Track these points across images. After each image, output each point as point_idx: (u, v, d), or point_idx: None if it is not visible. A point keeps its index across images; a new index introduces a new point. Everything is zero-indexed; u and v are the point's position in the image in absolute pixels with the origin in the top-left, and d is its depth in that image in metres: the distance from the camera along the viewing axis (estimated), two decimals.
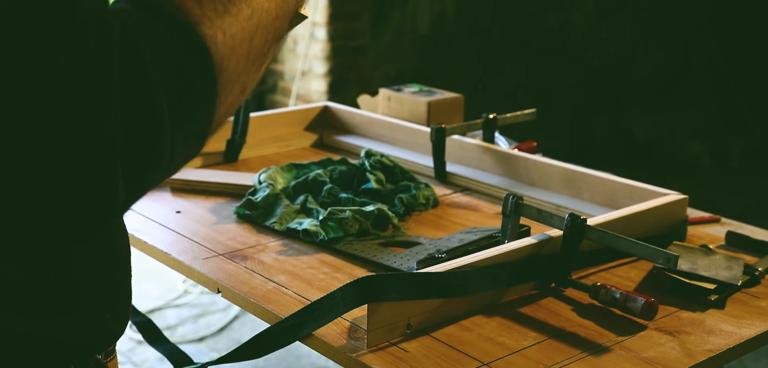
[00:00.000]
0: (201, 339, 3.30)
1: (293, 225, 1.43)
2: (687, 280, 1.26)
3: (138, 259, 1.26)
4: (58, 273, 0.84)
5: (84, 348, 0.90)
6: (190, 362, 1.45)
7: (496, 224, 1.47)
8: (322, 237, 1.39)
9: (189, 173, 1.68)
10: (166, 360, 3.08)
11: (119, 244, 0.93)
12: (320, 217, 1.41)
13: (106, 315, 0.91)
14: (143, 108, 0.67)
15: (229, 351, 1.15)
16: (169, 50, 0.69)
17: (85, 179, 0.66)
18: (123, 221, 0.94)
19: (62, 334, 0.86)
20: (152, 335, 1.58)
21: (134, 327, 1.64)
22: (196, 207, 1.56)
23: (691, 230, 1.50)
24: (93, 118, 0.65)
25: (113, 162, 0.66)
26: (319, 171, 1.60)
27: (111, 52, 0.65)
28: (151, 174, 0.70)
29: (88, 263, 0.88)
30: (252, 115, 1.86)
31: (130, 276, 0.96)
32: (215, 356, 3.14)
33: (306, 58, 4.40)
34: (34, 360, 0.85)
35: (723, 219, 1.56)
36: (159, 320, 3.38)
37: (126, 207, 0.70)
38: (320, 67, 4.36)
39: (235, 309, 3.45)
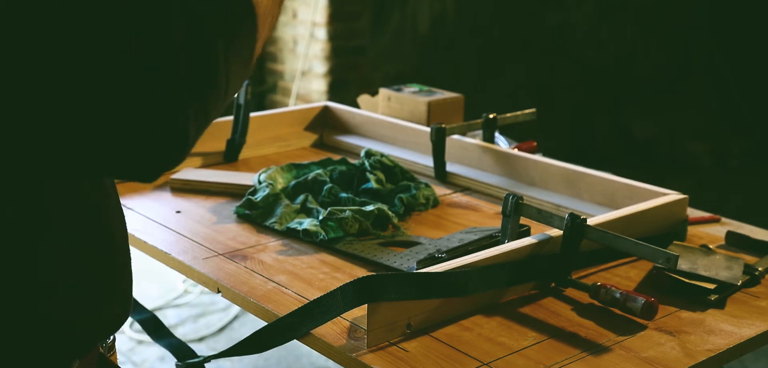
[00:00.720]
0: (201, 339, 3.30)
1: (293, 225, 1.43)
2: (687, 280, 1.26)
3: (138, 259, 1.27)
4: (57, 263, 0.84)
5: (87, 340, 0.90)
6: (194, 356, 1.45)
7: (496, 224, 1.47)
8: (322, 237, 1.39)
9: (189, 173, 1.68)
10: (166, 360, 3.09)
11: (115, 227, 0.93)
12: (320, 217, 1.42)
13: (108, 300, 0.91)
14: (201, 44, 0.72)
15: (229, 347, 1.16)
16: None
17: (162, 120, 0.70)
18: (119, 204, 0.95)
19: (65, 326, 0.86)
20: (156, 330, 1.58)
21: (136, 326, 1.64)
22: (196, 207, 1.56)
23: (691, 230, 1.50)
24: (163, 55, 0.69)
25: (184, 97, 0.71)
26: (319, 171, 1.60)
27: None
28: (212, 106, 0.75)
29: (86, 251, 0.88)
30: (252, 115, 1.86)
31: (130, 257, 0.96)
32: None
33: (306, 58, 4.40)
34: (39, 353, 0.85)
35: (723, 219, 1.56)
36: None
37: (196, 139, 0.75)
38: (320, 67, 4.37)
39: (235, 309, 3.45)
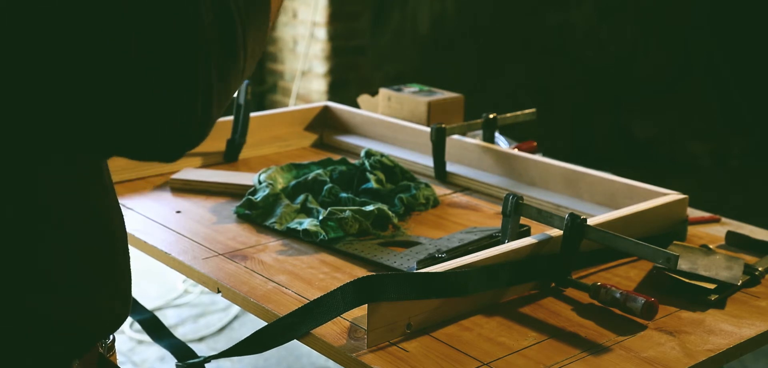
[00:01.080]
0: (201, 339, 3.30)
1: (293, 225, 1.43)
2: (687, 280, 1.26)
3: (138, 259, 1.27)
4: (57, 262, 0.84)
5: (87, 339, 0.90)
6: (194, 356, 1.45)
7: (496, 224, 1.47)
8: (322, 237, 1.39)
9: (189, 173, 1.68)
10: (166, 360, 3.09)
11: (115, 226, 0.93)
12: (320, 217, 1.42)
13: (108, 300, 0.91)
14: (225, 21, 0.73)
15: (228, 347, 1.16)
16: None
17: (191, 95, 0.72)
18: (117, 203, 0.95)
19: (64, 326, 0.86)
20: (156, 331, 1.58)
21: (136, 326, 1.64)
22: (196, 207, 1.56)
23: (691, 230, 1.50)
24: (192, 32, 0.71)
25: (211, 73, 0.72)
26: (319, 171, 1.60)
27: None
28: (233, 84, 0.77)
29: (86, 250, 0.88)
30: (252, 115, 1.86)
31: (129, 257, 0.96)
32: None
33: (306, 58, 4.40)
34: (38, 353, 0.85)
35: (723, 219, 1.56)
36: None
37: (218, 115, 0.76)
38: (320, 67, 4.37)
39: (235, 309, 3.45)
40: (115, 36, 0.69)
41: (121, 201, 1.55)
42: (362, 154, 1.67)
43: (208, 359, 1.22)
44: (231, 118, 1.83)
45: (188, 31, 0.71)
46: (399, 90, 2.07)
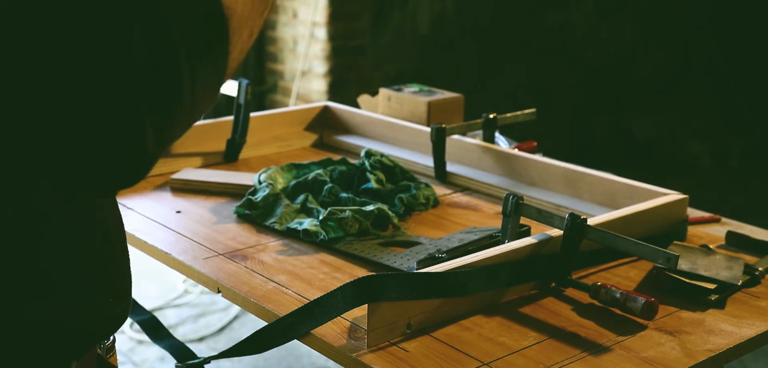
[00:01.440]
0: (201, 339, 3.29)
1: (293, 225, 1.43)
2: (687, 280, 1.26)
3: (138, 259, 1.27)
4: (57, 263, 0.84)
5: (86, 340, 0.90)
6: (194, 357, 1.45)
7: (496, 224, 1.47)
8: (322, 237, 1.39)
9: (189, 173, 1.68)
10: (166, 360, 3.09)
11: (114, 227, 0.93)
12: (320, 217, 1.42)
13: (108, 300, 0.91)
14: (161, 54, 0.69)
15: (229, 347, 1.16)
16: None
17: (115, 130, 0.68)
18: (116, 204, 0.95)
19: (64, 326, 0.86)
20: (156, 332, 1.58)
21: (136, 326, 1.64)
22: (196, 207, 1.56)
23: (691, 230, 1.50)
24: (116, 67, 0.67)
25: (139, 110, 0.68)
26: (319, 171, 1.60)
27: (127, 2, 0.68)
28: (177, 120, 0.72)
29: (85, 251, 0.88)
30: (252, 115, 1.86)
31: (129, 257, 0.96)
32: None
33: (306, 58, 4.40)
34: (37, 353, 0.85)
35: (723, 219, 1.56)
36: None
37: (158, 153, 0.72)
38: (320, 67, 4.36)
39: (235, 309, 3.45)
40: (39, 69, 0.66)
41: (121, 201, 1.55)
42: (362, 154, 1.67)
43: (209, 359, 1.22)
44: (231, 118, 1.83)
45: (113, 67, 0.67)
46: (399, 90, 2.07)
